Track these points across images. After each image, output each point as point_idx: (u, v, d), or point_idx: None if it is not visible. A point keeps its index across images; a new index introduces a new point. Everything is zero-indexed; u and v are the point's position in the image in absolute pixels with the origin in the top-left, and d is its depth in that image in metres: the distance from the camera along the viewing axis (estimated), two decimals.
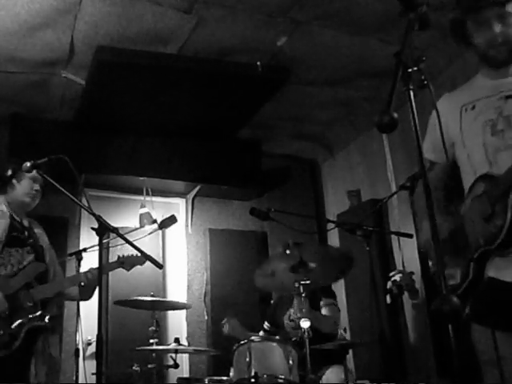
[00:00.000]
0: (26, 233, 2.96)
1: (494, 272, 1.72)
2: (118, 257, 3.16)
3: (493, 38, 1.88)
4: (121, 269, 3.20)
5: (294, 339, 3.43)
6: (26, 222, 3.03)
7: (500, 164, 1.79)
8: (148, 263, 2.38)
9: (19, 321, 2.68)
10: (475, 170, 1.91)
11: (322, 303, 3.56)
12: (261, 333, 3.76)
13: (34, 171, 2.91)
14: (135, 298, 3.41)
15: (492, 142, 1.84)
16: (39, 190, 3.01)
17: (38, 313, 2.76)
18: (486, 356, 1.75)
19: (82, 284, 2.95)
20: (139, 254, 3.06)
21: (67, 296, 3.13)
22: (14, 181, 2.96)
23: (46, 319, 2.79)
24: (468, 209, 1.88)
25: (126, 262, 3.11)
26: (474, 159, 1.91)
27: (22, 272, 2.79)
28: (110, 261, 3.28)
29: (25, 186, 2.97)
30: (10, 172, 2.96)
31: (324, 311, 3.54)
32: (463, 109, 1.96)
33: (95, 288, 3.00)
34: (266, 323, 3.82)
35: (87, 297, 3.07)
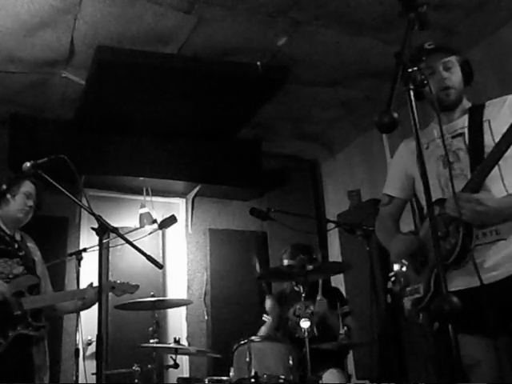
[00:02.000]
0: (16, 245, 2.92)
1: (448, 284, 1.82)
2: (111, 282, 3.17)
3: (441, 81, 2.12)
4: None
5: (297, 335, 3.43)
6: (17, 236, 3.00)
7: (451, 191, 1.95)
8: (148, 263, 2.38)
9: (8, 329, 2.66)
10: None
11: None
12: (262, 328, 3.71)
13: (29, 185, 2.92)
14: (135, 300, 3.41)
15: (444, 172, 2.10)
16: (32, 206, 2.98)
17: (27, 322, 2.74)
18: (467, 361, 1.88)
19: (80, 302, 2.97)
20: (133, 283, 3.12)
21: (60, 310, 3.11)
22: (9, 196, 2.93)
23: (34, 329, 2.77)
24: (426, 230, 2.10)
25: (117, 288, 3.10)
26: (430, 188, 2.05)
27: (14, 281, 2.77)
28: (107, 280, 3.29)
29: (19, 202, 2.94)
30: (4, 186, 2.94)
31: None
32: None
33: (92, 305, 3.01)
34: (264, 316, 3.78)
35: (83, 309, 3.08)
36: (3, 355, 2.62)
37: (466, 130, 2.11)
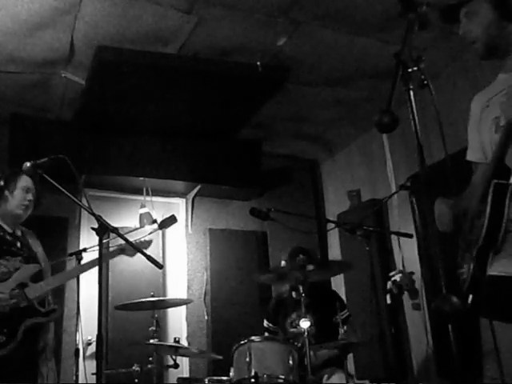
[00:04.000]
0: (19, 244, 2.92)
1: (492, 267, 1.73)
2: (120, 245, 3.09)
3: (464, 37, 1.91)
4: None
5: (296, 344, 3.42)
6: (18, 232, 2.99)
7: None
8: (148, 263, 2.38)
9: (17, 321, 2.67)
10: None
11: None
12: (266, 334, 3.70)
13: (26, 179, 2.92)
14: (135, 300, 3.40)
15: (495, 139, 1.79)
16: (32, 200, 2.97)
17: (35, 311, 2.75)
18: (487, 346, 1.76)
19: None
20: (142, 239, 3.09)
21: None
22: (7, 192, 2.91)
23: (44, 316, 2.78)
24: (468, 196, 1.90)
25: (128, 248, 3.02)
26: (487, 157, 1.88)
27: (16, 273, 2.77)
28: (111, 249, 3.20)
29: (17, 198, 2.92)
30: (1, 183, 2.92)
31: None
32: (483, 108, 1.94)
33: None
34: (265, 321, 3.80)
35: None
36: (12, 353, 2.61)
37: None
